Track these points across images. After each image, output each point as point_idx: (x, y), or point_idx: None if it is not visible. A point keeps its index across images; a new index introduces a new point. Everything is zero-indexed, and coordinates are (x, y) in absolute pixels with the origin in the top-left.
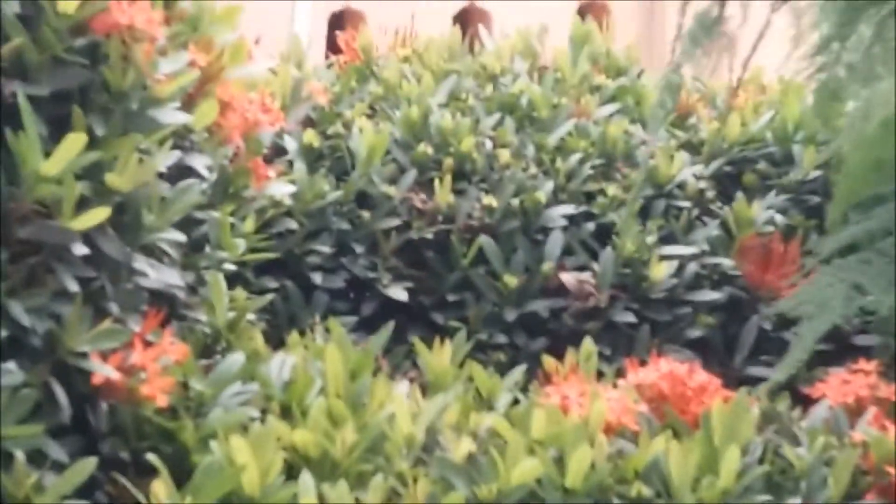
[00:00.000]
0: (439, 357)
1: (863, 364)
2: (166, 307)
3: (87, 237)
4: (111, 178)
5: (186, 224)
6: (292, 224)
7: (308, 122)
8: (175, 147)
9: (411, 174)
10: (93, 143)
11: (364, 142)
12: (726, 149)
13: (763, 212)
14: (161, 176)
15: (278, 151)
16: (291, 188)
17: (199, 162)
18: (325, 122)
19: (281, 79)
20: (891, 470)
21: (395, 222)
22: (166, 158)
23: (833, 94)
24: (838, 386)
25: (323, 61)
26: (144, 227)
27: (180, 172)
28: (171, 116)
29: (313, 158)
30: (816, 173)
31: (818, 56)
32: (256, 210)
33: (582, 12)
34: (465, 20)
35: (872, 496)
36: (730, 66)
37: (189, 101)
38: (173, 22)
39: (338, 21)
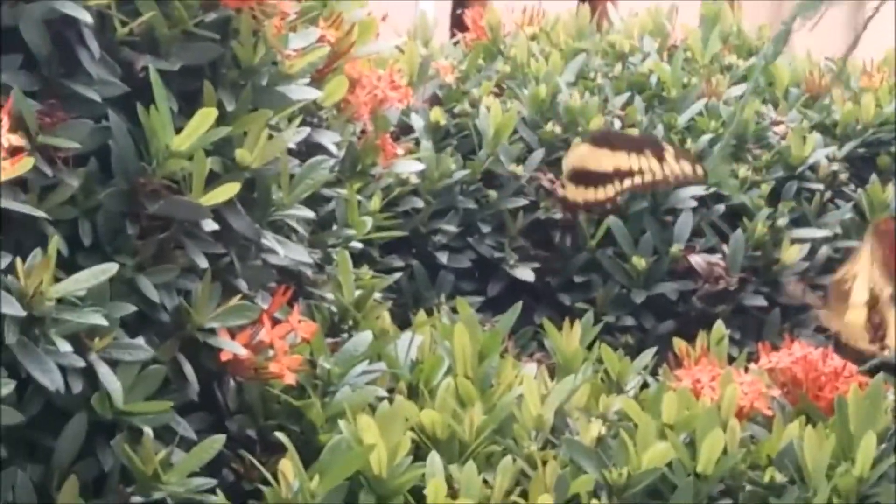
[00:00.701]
0: (568, 339)
1: None
2: (294, 284)
3: (216, 213)
4: (241, 154)
5: (314, 201)
6: (418, 202)
7: (435, 101)
8: (304, 123)
9: (539, 153)
10: (223, 118)
11: (491, 120)
12: (860, 130)
13: None
14: (290, 152)
15: (405, 129)
16: (420, 166)
17: (328, 139)
18: (452, 100)
19: (408, 56)
20: None
21: (523, 202)
22: (296, 135)
23: None
24: None
25: (448, 39)
26: (273, 204)
27: (309, 149)
28: (301, 92)
29: (440, 137)
30: None
31: None
32: (383, 188)
33: None
34: None
35: None
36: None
37: (318, 78)
38: None
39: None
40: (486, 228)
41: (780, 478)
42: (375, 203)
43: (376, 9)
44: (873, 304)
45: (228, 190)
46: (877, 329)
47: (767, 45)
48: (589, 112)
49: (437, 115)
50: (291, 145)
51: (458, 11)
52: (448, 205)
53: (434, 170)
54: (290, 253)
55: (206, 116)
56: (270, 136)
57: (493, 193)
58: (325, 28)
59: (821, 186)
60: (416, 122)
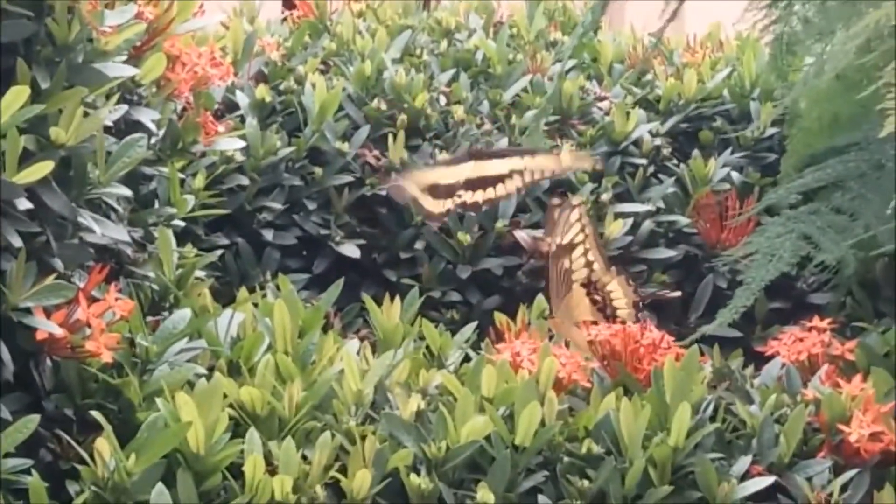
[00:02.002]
0: (389, 314)
1: (816, 322)
2: (114, 263)
3: (30, 192)
4: (56, 132)
5: (134, 179)
6: (243, 180)
7: (260, 78)
8: (122, 101)
9: (364, 130)
10: (37, 96)
11: (316, 97)
12: (682, 105)
13: (719, 169)
14: (108, 130)
15: (230, 107)
16: (242, 143)
17: (147, 116)
18: (278, 77)
19: (232, 33)
20: (843, 427)
21: (348, 179)
22: (112, 112)
23: (789, 49)
24: (791, 343)
25: (277, 16)
26: (90, 182)
27: (128, 127)
28: (118, 70)
29: (265, 114)
30: (773, 130)
31: (773, 9)
32: (207, 166)
33: None
34: None
35: (824, 454)
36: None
37: (136, 55)
38: None
39: None
40: (311, 205)
41: (596, 449)
42: (199, 181)
43: None
44: (589, 284)
45: (43, 168)
46: (602, 307)
47: (586, 14)
48: (414, 89)
49: (263, 92)
50: (108, 123)
51: None
52: (273, 182)
53: (259, 147)
54: (107, 231)
55: (18, 94)
56: (86, 114)
57: (318, 170)
58: (143, 5)
59: (644, 161)
60: (241, 99)
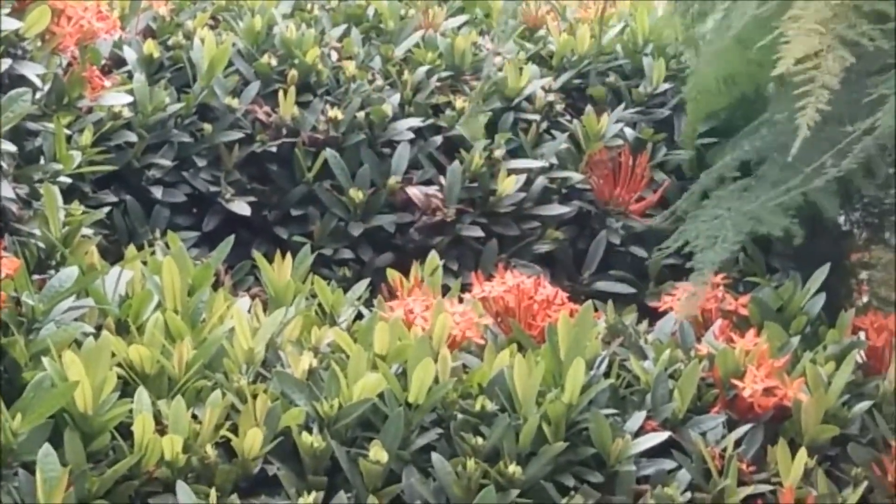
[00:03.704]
0: (280, 271)
1: (710, 277)
2: None
3: None
4: None
5: (19, 135)
6: (132, 136)
7: (149, 33)
8: (6, 55)
9: (254, 86)
10: None
11: (206, 53)
12: (575, 62)
13: (612, 125)
14: None
15: (118, 63)
16: (128, 98)
17: (31, 70)
18: (166, 32)
19: None
20: (737, 382)
21: (238, 135)
22: None
23: (700, 17)
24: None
25: None
26: None
27: (11, 81)
28: (1, 23)
29: (154, 70)
30: (666, 86)
31: None
32: (94, 122)
33: None
34: None
35: (718, 409)
36: None
37: (20, 8)
38: None
39: None
40: (201, 163)
41: (490, 406)
42: (87, 137)
43: None
44: None
45: None
46: None
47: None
48: (305, 44)
49: (151, 47)
50: None
51: None
52: (162, 139)
53: (147, 103)
54: None
55: None
56: None
57: (208, 127)
58: None
59: (537, 117)
60: (129, 54)
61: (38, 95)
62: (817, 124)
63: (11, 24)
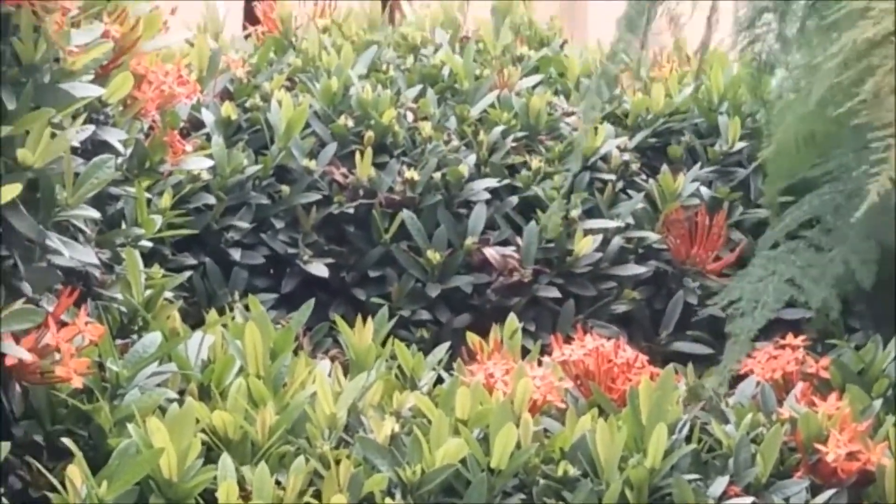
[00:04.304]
0: (361, 335)
1: (790, 339)
2: (81, 286)
3: None
4: (23, 154)
5: (101, 200)
6: (210, 199)
7: (226, 95)
8: (89, 121)
9: (331, 147)
10: (3, 117)
11: (283, 114)
12: (651, 120)
13: (688, 184)
14: (75, 151)
15: (196, 125)
16: (209, 162)
17: (114, 136)
18: (244, 94)
19: (198, 50)
20: (820, 447)
21: (316, 197)
22: (80, 133)
23: (767, 67)
24: (765, 362)
25: (241, 31)
26: (58, 204)
27: (95, 147)
28: (85, 90)
29: (231, 132)
30: (741, 144)
31: (752, 28)
32: (174, 185)
33: None
34: None
35: (801, 473)
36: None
37: (103, 74)
38: None
39: None
40: (279, 224)
41: (573, 471)
42: (166, 200)
43: (165, 3)
44: None
45: (10, 191)
46: None
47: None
48: (381, 105)
49: (228, 109)
50: (76, 143)
51: (251, 4)
52: (240, 201)
53: (225, 165)
54: (75, 254)
55: None
56: (53, 135)
57: (285, 189)
58: (109, 23)
59: (612, 177)
60: (207, 117)
61: (119, 160)
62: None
63: (95, 91)
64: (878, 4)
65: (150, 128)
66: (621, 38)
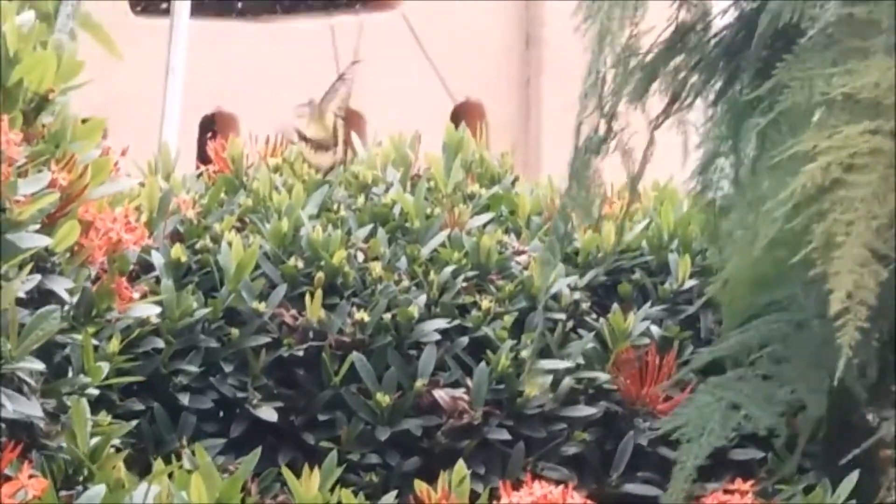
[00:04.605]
0: (308, 483)
1: (739, 483)
2: (26, 437)
3: None
4: None
5: (47, 349)
6: (159, 343)
7: (176, 236)
8: (35, 270)
9: (281, 289)
10: None
11: (233, 256)
12: (601, 258)
13: (639, 323)
14: (21, 300)
15: (146, 267)
16: (156, 309)
17: (60, 285)
18: (194, 235)
19: (148, 191)
20: None
21: (265, 339)
22: (25, 283)
23: (723, 211)
24: None
25: (195, 167)
26: (2, 357)
27: (41, 296)
28: (31, 240)
29: (181, 274)
30: (692, 282)
31: (705, 173)
32: (122, 329)
33: (457, 113)
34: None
35: None
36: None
37: (50, 223)
38: (35, 139)
39: (209, 125)
40: (228, 368)
41: None
42: (114, 345)
43: (118, 141)
44: None
45: None
46: None
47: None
48: (332, 246)
49: (178, 251)
50: (21, 294)
51: (205, 141)
52: (189, 344)
53: (175, 309)
54: (20, 407)
55: None
56: None
57: (235, 331)
58: (56, 171)
59: (563, 316)
60: (157, 259)
61: (66, 308)
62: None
63: (41, 241)
64: (824, 144)
65: (98, 276)
66: (569, 192)
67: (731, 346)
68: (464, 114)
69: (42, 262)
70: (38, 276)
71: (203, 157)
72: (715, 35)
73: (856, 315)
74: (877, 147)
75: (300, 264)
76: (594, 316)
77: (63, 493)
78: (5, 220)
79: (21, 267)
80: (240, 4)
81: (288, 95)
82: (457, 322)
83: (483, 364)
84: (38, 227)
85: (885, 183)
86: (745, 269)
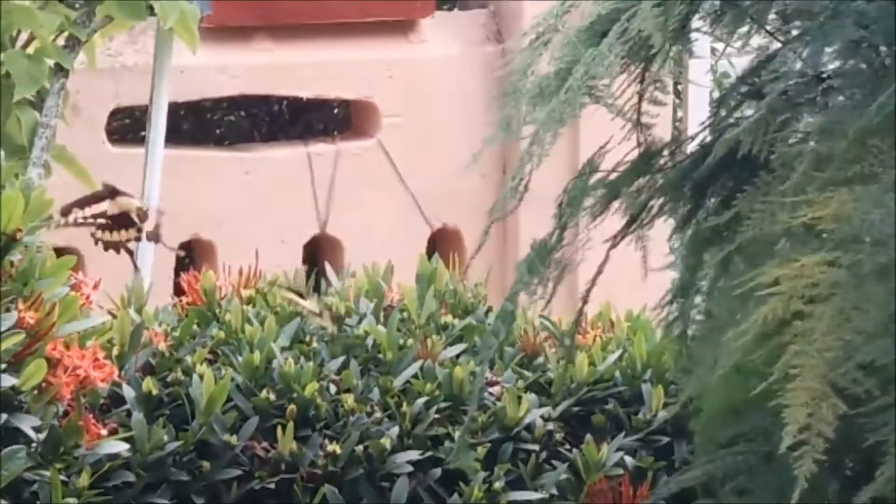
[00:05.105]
0: None
1: None
2: None
3: None
4: None
5: (15, 486)
6: (130, 477)
7: (148, 369)
8: (1, 409)
9: (253, 421)
10: None
11: (204, 389)
12: (574, 389)
13: (612, 454)
14: None
15: (116, 400)
16: (125, 446)
17: (27, 423)
18: (165, 368)
19: (119, 324)
20: None
21: (237, 472)
22: None
23: (693, 341)
24: None
25: (167, 300)
26: None
27: (7, 434)
28: None
29: (152, 407)
30: (665, 413)
31: (674, 303)
32: (92, 463)
33: (434, 239)
34: (317, 249)
35: None
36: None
37: (17, 361)
38: (2, 279)
39: (186, 254)
40: (199, 500)
41: None
42: (84, 480)
43: (96, 268)
44: None
45: None
46: None
47: (495, 321)
48: (304, 378)
49: (150, 384)
50: None
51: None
52: (161, 478)
53: (146, 442)
54: None
55: None
56: None
57: (206, 464)
58: (23, 310)
59: (536, 447)
60: (128, 392)
61: (33, 446)
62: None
63: (7, 381)
64: (784, 274)
65: (66, 412)
66: (520, 279)
67: (697, 476)
68: (442, 237)
69: (8, 401)
70: (4, 415)
71: (179, 290)
72: (681, 161)
73: (814, 447)
74: (835, 280)
75: (272, 396)
76: (567, 446)
77: None
78: None
79: None
80: (217, 132)
81: (265, 223)
82: (430, 454)
83: (456, 496)
84: (4, 366)
85: (842, 315)
86: (717, 398)
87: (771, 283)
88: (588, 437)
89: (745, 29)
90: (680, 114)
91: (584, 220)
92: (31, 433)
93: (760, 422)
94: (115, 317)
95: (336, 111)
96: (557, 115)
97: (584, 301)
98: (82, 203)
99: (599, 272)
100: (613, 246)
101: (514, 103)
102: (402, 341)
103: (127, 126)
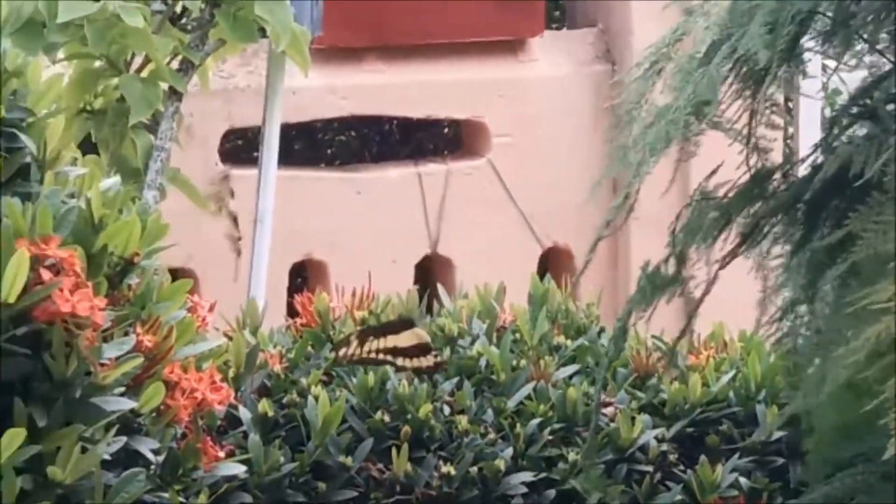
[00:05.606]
0: None
1: None
2: None
3: None
4: (53, 471)
5: None
6: (247, 498)
7: (264, 391)
8: (121, 431)
9: (368, 443)
10: (35, 434)
11: (319, 411)
12: (688, 410)
13: (727, 475)
14: (106, 463)
15: (232, 422)
16: (242, 468)
17: (146, 446)
18: (280, 389)
19: (235, 347)
20: None
21: (352, 494)
22: (111, 445)
23: (806, 359)
24: None
25: (281, 322)
26: None
27: (127, 457)
28: (116, 403)
29: (268, 428)
30: (780, 433)
31: (783, 320)
32: (210, 484)
33: (545, 258)
34: (428, 269)
35: None
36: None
37: (135, 385)
38: (120, 302)
39: (299, 273)
40: None
41: None
42: (202, 500)
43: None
44: None
45: None
46: None
47: (609, 343)
48: (418, 399)
49: (265, 406)
50: (106, 456)
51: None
52: (277, 499)
53: (262, 463)
54: None
55: (14, 437)
56: (84, 450)
57: (322, 485)
58: (141, 334)
59: (650, 468)
60: (244, 414)
61: (152, 468)
62: None
63: (126, 405)
64: None
65: (184, 434)
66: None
67: (816, 500)
68: (552, 258)
69: (128, 423)
70: (123, 439)
71: (292, 311)
72: (794, 182)
73: None
74: None
75: (387, 418)
76: (682, 467)
77: None
78: (90, 384)
79: (107, 429)
80: (328, 152)
81: (377, 243)
82: (543, 475)
83: None
84: (122, 391)
85: None
86: (829, 417)
87: (884, 302)
88: (702, 458)
89: (857, 48)
90: (791, 131)
91: (696, 243)
92: (151, 456)
93: (878, 442)
94: (230, 339)
95: (446, 131)
96: (664, 133)
97: (690, 318)
98: (378, 332)
99: (706, 292)
100: (722, 266)
101: (628, 133)
102: (514, 362)
103: (240, 147)
